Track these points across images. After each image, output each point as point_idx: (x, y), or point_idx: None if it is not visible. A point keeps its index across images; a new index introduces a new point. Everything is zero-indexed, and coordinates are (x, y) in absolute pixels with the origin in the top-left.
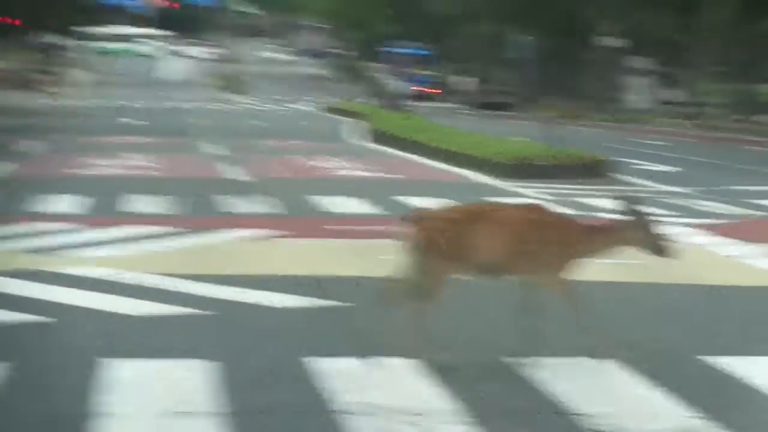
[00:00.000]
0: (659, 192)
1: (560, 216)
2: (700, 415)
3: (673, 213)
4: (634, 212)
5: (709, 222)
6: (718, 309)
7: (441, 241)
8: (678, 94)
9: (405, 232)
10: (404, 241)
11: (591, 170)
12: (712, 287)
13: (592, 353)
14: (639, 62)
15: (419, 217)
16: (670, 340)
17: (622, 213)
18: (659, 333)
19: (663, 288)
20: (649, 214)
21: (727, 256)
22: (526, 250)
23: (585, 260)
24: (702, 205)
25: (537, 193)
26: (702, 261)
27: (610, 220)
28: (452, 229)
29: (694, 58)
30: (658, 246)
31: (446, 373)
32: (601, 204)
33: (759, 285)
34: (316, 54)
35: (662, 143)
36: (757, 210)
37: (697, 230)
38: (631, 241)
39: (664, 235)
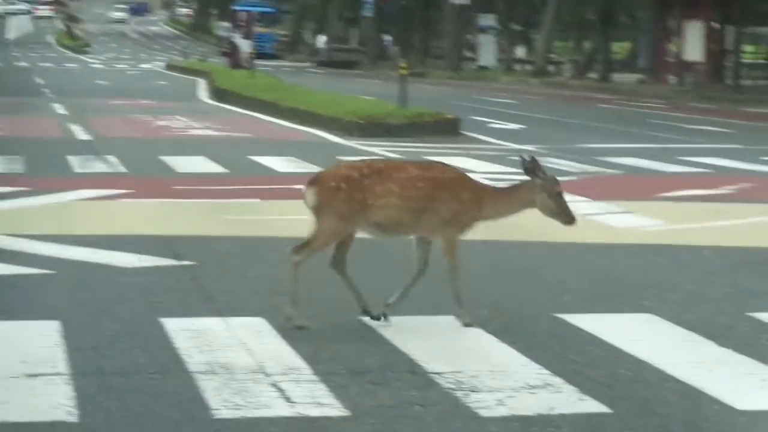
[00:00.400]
0: (509, 150)
1: (464, 175)
2: (552, 372)
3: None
4: (538, 174)
5: (559, 179)
6: (569, 267)
7: (340, 198)
8: (526, 52)
9: (309, 191)
10: (308, 200)
11: (441, 128)
12: (563, 245)
13: (446, 312)
14: (486, 20)
15: (320, 176)
16: (522, 297)
17: (526, 172)
18: (511, 291)
19: (513, 246)
20: (554, 177)
21: (579, 214)
22: (429, 208)
23: (487, 221)
24: (552, 163)
25: (388, 151)
26: (549, 219)
27: (518, 182)
28: (352, 186)
29: (543, 15)
30: (563, 211)
31: (301, 332)
32: (453, 162)
33: (609, 242)
34: (142, 10)
35: (510, 101)
36: (607, 167)
37: None
38: (534, 203)
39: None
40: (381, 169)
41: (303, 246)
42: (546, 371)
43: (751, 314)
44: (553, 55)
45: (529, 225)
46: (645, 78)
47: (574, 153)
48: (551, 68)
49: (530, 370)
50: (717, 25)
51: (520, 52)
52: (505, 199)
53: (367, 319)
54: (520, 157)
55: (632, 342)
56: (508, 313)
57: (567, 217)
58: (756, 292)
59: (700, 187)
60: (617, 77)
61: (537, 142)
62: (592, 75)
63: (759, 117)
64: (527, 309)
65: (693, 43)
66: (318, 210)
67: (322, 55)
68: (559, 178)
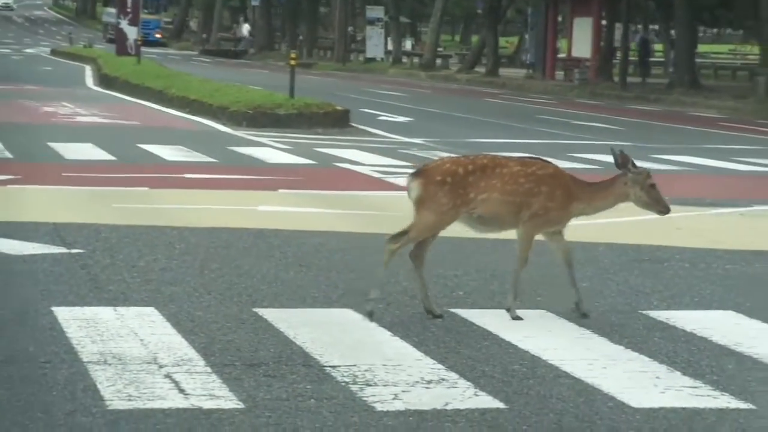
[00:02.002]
0: (399, 143)
1: (562, 171)
2: (447, 366)
3: (412, 164)
4: (630, 166)
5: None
6: (464, 262)
7: (444, 192)
8: (414, 45)
9: (414, 183)
10: (412, 192)
11: (331, 120)
12: (458, 240)
13: (339, 305)
14: (375, 12)
15: (425, 169)
16: (414, 291)
17: (618, 167)
18: (406, 285)
19: None
20: (646, 170)
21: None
22: (526, 203)
23: (583, 216)
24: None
25: (276, 142)
26: None
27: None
28: (456, 181)
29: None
30: (658, 202)
31: (194, 323)
32: (342, 155)
33: (505, 238)
34: None
35: (399, 94)
36: None
37: None
38: (629, 197)
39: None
40: (484, 165)
41: (400, 235)
42: (441, 366)
43: (643, 312)
44: (440, 49)
45: None
46: (532, 73)
47: (463, 147)
48: (439, 62)
49: (425, 365)
50: (605, 22)
51: (408, 44)
52: (600, 195)
53: (262, 311)
54: (612, 150)
55: (526, 338)
56: (403, 308)
57: (662, 207)
58: (649, 290)
59: None
60: (504, 72)
61: (426, 136)
62: (479, 69)
63: (643, 114)
64: (421, 303)
65: (581, 39)
66: (421, 202)
67: (208, 44)
68: None
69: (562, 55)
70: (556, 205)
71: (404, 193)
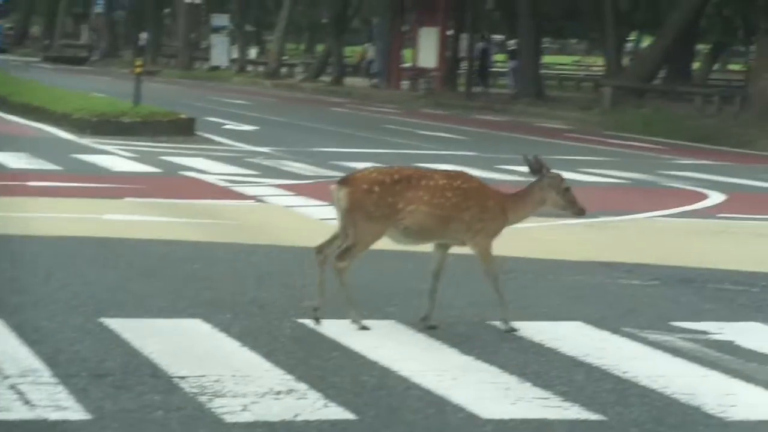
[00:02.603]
0: (244, 152)
1: (485, 184)
2: (296, 377)
3: (259, 173)
4: (545, 171)
5: (294, 183)
6: (312, 272)
7: (372, 201)
8: (259, 53)
9: (341, 192)
10: (340, 202)
11: (176, 128)
12: (306, 250)
13: (187, 315)
14: (220, 20)
15: (352, 178)
16: (264, 302)
17: (533, 172)
18: (254, 295)
19: (257, 249)
20: (559, 174)
21: (316, 219)
22: (456, 218)
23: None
24: (287, 166)
25: (120, 150)
26: (289, 223)
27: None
28: (384, 190)
29: (276, 17)
30: (573, 204)
31: (42, 332)
32: (188, 163)
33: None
34: None
35: (244, 102)
36: (344, 172)
37: (282, 190)
38: (546, 201)
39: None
40: (410, 176)
41: (345, 252)
42: (290, 377)
43: (492, 322)
44: (285, 57)
45: (273, 231)
46: (378, 83)
47: (309, 156)
48: (284, 70)
49: (274, 376)
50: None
51: (253, 53)
52: (523, 203)
53: (108, 321)
54: (524, 157)
55: (376, 348)
56: (251, 318)
57: (578, 209)
58: (495, 300)
59: None
60: (350, 81)
61: (272, 144)
62: (325, 78)
63: (488, 124)
64: (270, 314)
65: (427, 49)
66: (350, 212)
67: (50, 50)
68: (292, 182)
69: (407, 65)
70: (492, 215)
71: (249, 202)
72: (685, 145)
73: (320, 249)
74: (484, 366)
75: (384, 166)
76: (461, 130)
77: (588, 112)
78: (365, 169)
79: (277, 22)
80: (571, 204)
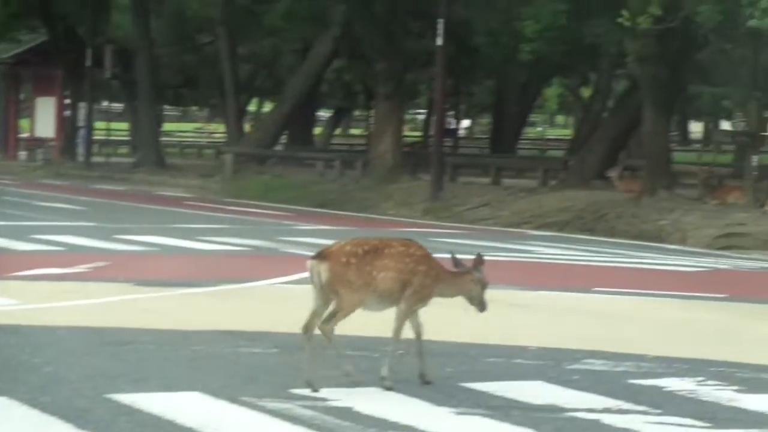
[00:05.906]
0: None
1: (429, 252)
2: None
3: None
4: (480, 269)
5: None
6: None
7: (352, 272)
8: None
9: (322, 267)
10: (321, 276)
11: None
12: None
13: None
14: None
15: (329, 252)
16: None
17: (474, 265)
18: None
19: None
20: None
21: None
22: (410, 281)
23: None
24: None
25: None
26: None
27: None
28: (360, 260)
29: None
30: (482, 301)
31: None
32: None
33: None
34: None
35: None
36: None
37: None
38: (470, 291)
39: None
40: (376, 246)
41: (330, 318)
42: None
43: (108, 396)
44: None
45: None
46: None
47: None
48: None
49: None
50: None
51: None
52: (455, 282)
53: None
54: (451, 255)
55: None
56: None
57: (485, 306)
58: (113, 373)
59: (54, 265)
60: None
61: None
62: None
63: (108, 194)
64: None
65: (45, 118)
66: (332, 284)
67: None
68: None
69: (24, 135)
70: (430, 282)
71: None
72: (308, 211)
73: (306, 328)
74: None
75: (351, 239)
76: (81, 201)
77: (209, 179)
78: (335, 243)
79: None
80: (482, 300)
